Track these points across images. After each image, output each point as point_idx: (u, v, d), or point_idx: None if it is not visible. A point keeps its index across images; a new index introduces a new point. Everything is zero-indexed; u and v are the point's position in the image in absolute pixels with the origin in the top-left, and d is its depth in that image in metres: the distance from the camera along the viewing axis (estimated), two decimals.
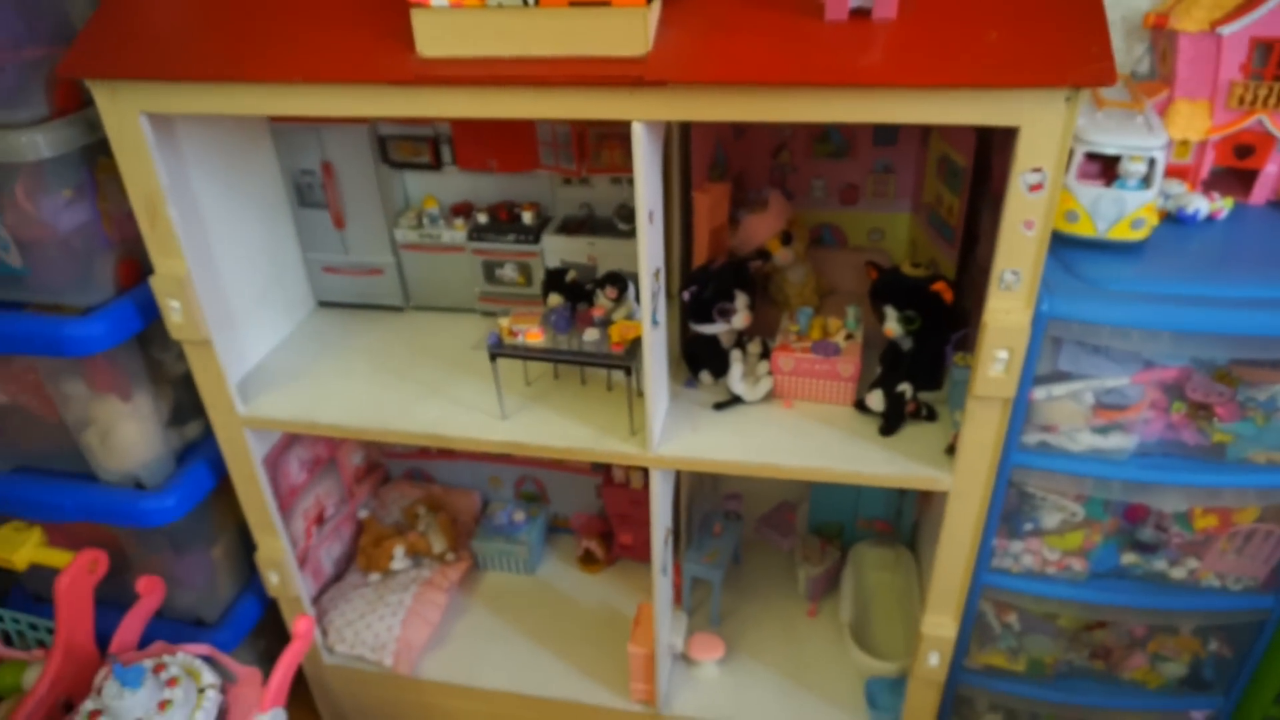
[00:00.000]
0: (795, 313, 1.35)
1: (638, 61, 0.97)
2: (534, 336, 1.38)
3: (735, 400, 1.30)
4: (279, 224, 1.56)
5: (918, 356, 1.28)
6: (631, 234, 1.52)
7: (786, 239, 1.40)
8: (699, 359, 1.35)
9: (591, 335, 1.26)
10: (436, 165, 1.69)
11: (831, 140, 1.58)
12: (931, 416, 1.28)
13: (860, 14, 0.95)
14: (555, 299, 1.41)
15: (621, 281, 1.30)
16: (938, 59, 0.89)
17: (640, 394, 1.19)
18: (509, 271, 1.70)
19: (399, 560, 1.74)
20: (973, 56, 0.89)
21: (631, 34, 0.96)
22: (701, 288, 1.25)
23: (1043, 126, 0.90)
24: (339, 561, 1.80)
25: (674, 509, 1.40)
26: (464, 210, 1.75)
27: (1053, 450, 1.19)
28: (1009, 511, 1.26)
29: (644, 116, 0.99)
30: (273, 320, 1.55)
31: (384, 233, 1.73)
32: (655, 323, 1.15)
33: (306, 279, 1.65)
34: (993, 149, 1.15)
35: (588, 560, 1.84)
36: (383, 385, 1.41)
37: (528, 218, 1.68)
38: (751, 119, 0.96)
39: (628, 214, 1.54)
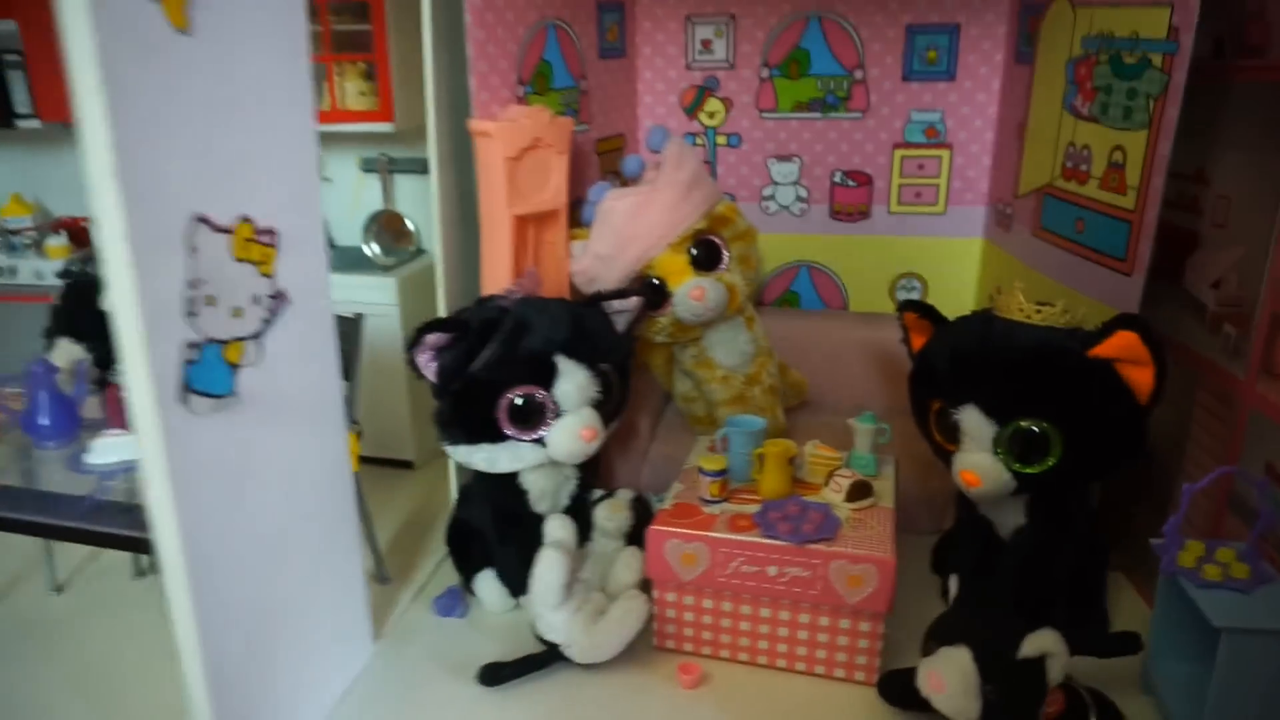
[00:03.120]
0: (725, 425, 0.49)
1: None
2: None
3: (548, 658, 0.40)
4: None
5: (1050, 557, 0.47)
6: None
7: (708, 254, 0.56)
8: (468, 537, 0.46)
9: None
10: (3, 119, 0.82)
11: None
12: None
13: None
14: (68, 349, 0.54)
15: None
16: None
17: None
18: None
19: None
20: None
21: None
22: (460, 349, 0.39)
23: None
24: None
25: None
26: (74, 225, 0.86)
27: None
28: None
29: None
30: None
31: None
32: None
33: None
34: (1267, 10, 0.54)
35: None
36: None
37: None
38: None
39: None
